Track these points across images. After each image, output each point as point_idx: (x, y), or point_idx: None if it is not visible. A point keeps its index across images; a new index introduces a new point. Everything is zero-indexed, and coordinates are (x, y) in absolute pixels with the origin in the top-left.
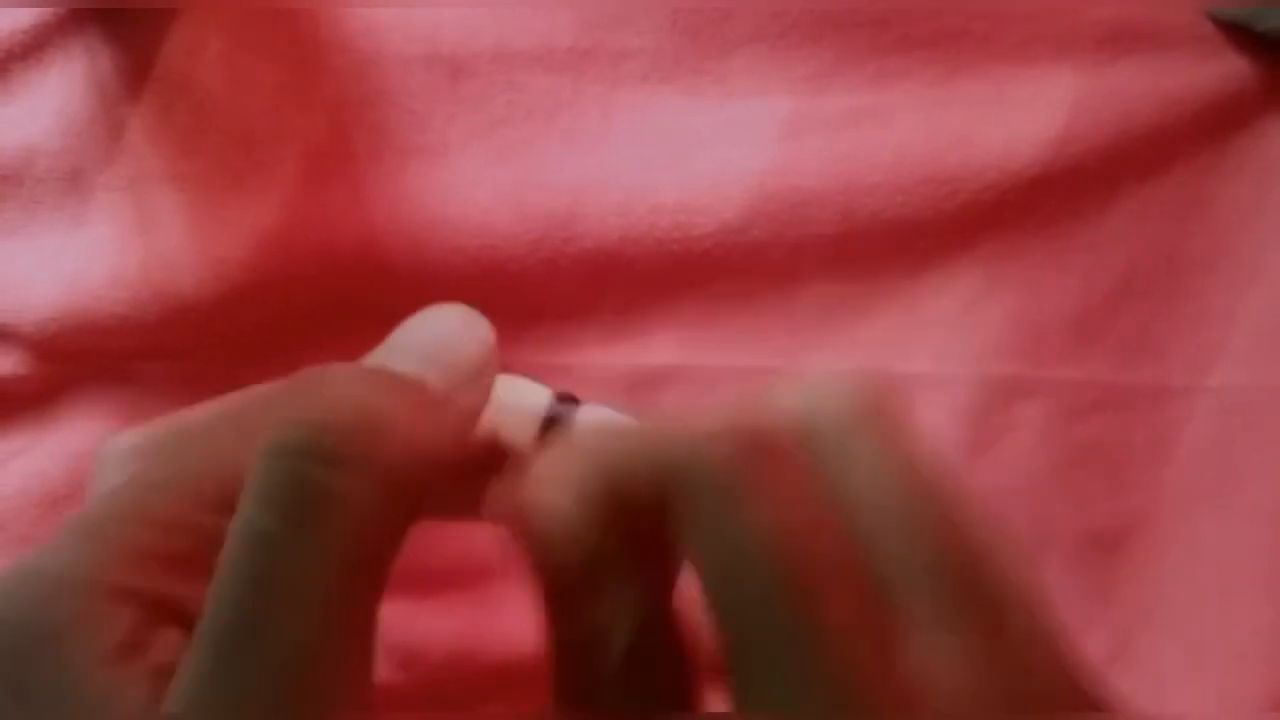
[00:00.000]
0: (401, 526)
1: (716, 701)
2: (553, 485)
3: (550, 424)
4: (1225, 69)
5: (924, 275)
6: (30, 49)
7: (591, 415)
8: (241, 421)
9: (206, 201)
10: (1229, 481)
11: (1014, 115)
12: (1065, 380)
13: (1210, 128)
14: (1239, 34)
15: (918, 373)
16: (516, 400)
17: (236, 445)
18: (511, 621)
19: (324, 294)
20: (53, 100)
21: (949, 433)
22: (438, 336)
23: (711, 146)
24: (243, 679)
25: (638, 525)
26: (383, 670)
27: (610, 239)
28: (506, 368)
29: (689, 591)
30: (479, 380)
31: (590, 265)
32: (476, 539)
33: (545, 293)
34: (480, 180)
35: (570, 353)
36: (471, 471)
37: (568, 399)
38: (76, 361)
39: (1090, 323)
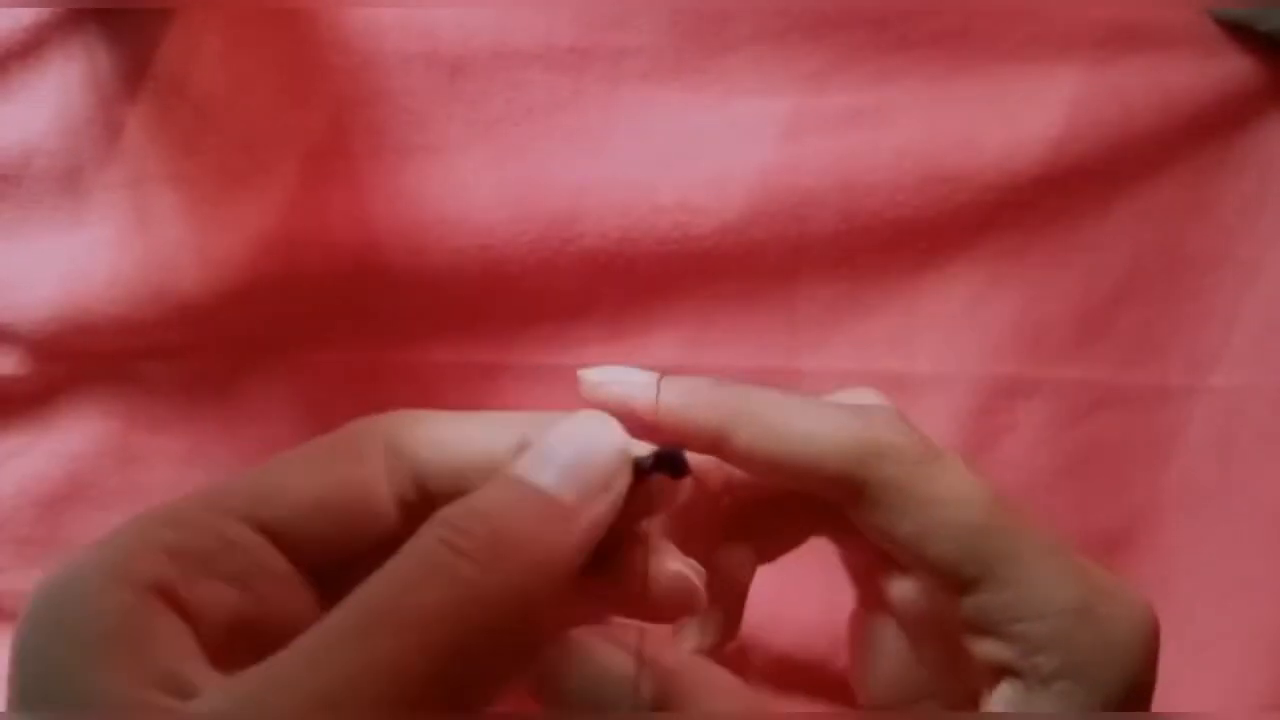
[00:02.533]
0: (528, 632)
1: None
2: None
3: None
4: (1227, 68)
5: (925, 274)
6: (29, 48)
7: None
8: (288, 456)
9: (205, 201)
10: (1230, 481)
11: (1015, 114)
12: (1066, 380)
13: (1212, 127)
14: (1241, 34)
15: (918, 372)
16: None
17: (276, 469)
18: None
19: (323, 293)
20: (51, 100)
21: (950, 432)
22: (577, 449)
23: (712, 146)
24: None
25: None
26: None
27: (610, 239)
28: (507, 367)
29: None
30: (611, 487)
31: (590, 265)
32: None
33: (545, 292)
34: (480, 179)
35: (570, 352)
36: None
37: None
38: (75, 361)
39: (1091, 322)
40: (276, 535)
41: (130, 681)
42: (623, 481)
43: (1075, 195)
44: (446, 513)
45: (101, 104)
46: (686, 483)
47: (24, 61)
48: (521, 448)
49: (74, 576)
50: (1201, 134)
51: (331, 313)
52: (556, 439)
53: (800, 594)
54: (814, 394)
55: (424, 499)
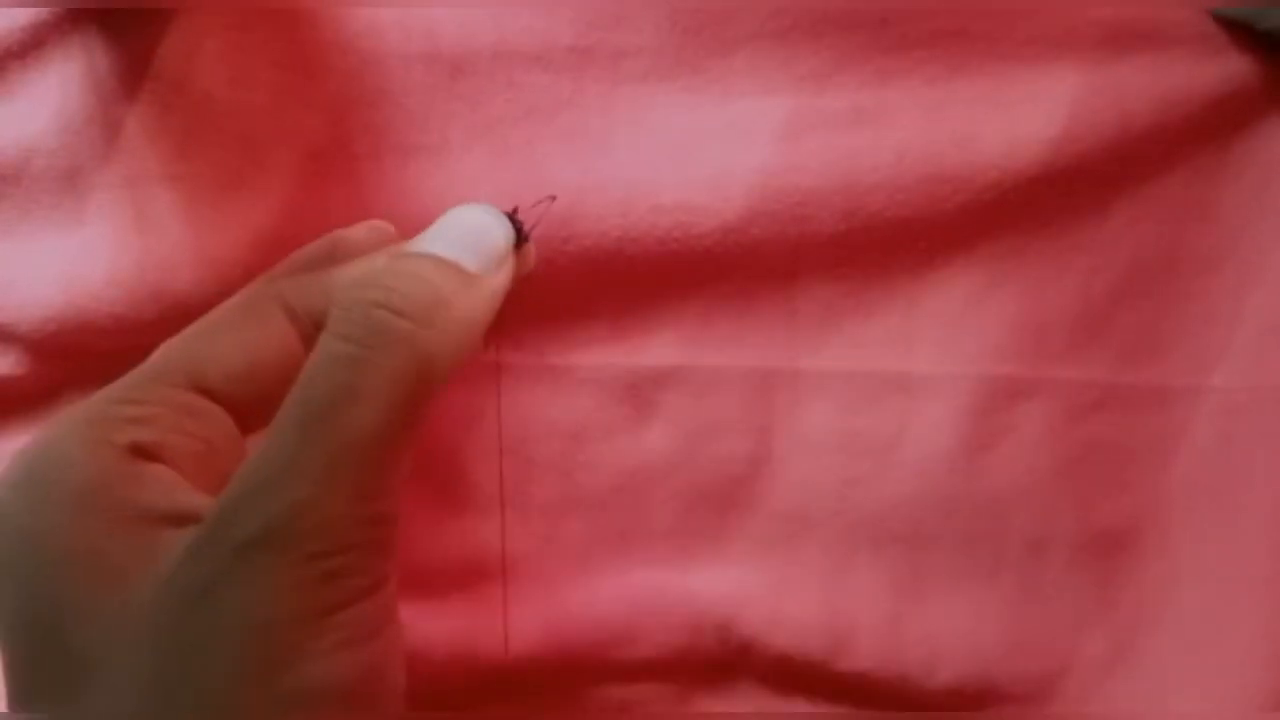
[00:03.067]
0: (438, 387)
1: None
2: None
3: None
4: (1228, 68)
5: (925, 275)
6: (28, 48)
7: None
8: (211, 324)
9: (205, 202)
10: (1232, 481)
11: (1015, 114)
12: (1066, 380)
13: (1212, 127)
14: (1242, 33)
15: (919, 372)
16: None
17: (205, 338)
18: (512, 622)
19: None
20: (50, 99)
21: (950, 432)
22: (472, 228)
23: (711, 146)
24: (323, 452)
25: None
26: None
27: (610, 238)
28: (508, 367)
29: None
30: (504, 264)
31: (590, 265)
32: (477, 539)
33: (545, 292)
34: (480, 180)
35: (570, 353)
36: None
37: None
38: (74, 361)
39: (1091, 322)
40: (218, 397)
41: (126, 526)
42: (511, 260)
43: (1075, 195)
44: (373, 275)
45: (101, 103)
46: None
47: (23, 61)
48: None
49: (51, 445)
50: (1202, 134)
51: None
52: (450, 223)
53: (800, 594)
54: None
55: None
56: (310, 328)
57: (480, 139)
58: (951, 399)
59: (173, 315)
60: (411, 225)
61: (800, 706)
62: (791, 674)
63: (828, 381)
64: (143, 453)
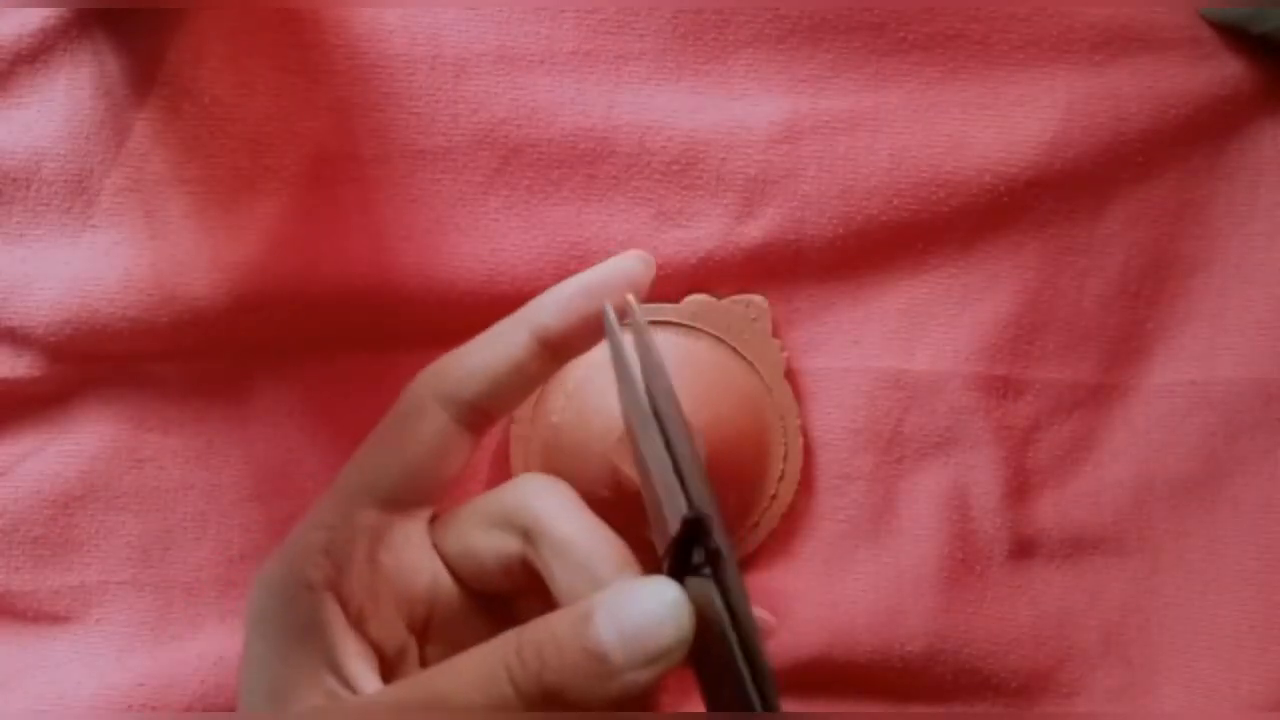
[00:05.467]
0: None
1: None
2: None
3: None
4: (1220, 72)
5: (921, 275)
6: (38, 54)
7: None
8: (375, 440)
9: (214, 205)
10: (1220, 478)
11: (1010, 118)
12: (1056, 380)
13: (1204, 130)
14: (1234, 36)
15: (915, 370)
16: None
17: (371, 453)
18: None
19: (332, 296)
20: (60, 105)
21: (944, 430)
22: (644, 618)
23: (712, 149)
24: None
25: None
26: None
27: (615, 240)
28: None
29: None
30: (661, 662)
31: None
32: None
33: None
34: (487, 185)
35: None
36: None
37: None
38: (87, 363)
39: (1083, 323)
40: (395, 504)
41: (314, 670)
42: (676, 658)
43: (1069, 198)
44: (524, 638)
45: (110, 109)
46: None
47: (33, 66)
48: (534, 342)
49: (264, 582)
50: (1194, 137)
51: (341, 315)
52: (632, 600)
53: (799, 589)
54: None
55: (480, 414)
56: (465, 413)
57: (484, 143)
58: (947, 397)
59: (185, 318)
60: (419, 229)
61: (797, 702)
62: (791, 673)
63: (827, 379)
64: (331, 587)
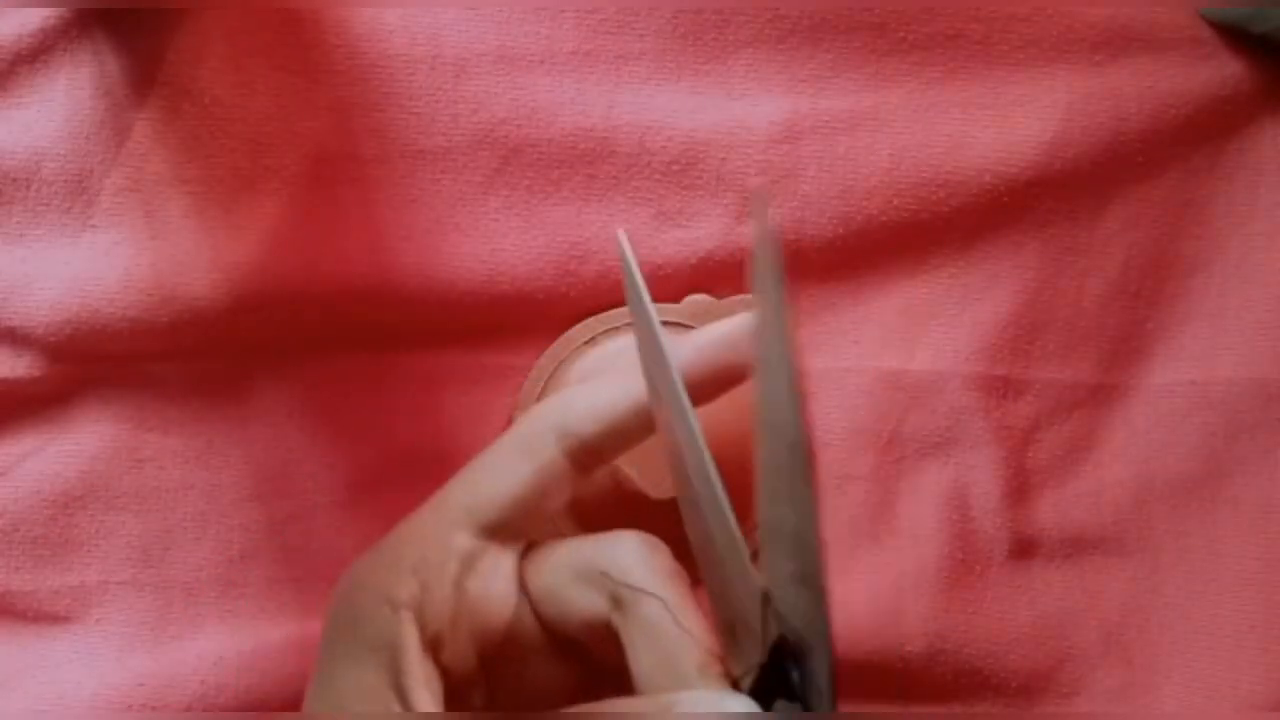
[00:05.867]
0: None
1: None
2: None
3: None
4: (1220, 72)
5: (921, 275)
6: (38, 54)
7: None
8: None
9: (214, 205)
10: (1217, 477)
11: (1010, 118)
12: (1056, 380)
13: (1204, 130)
14: (1234, 36)
15: (915, 370)
16: None
17: (482, 474)
18: None
19: (332, 296)
20: (59, 104)
21: (944, 430)
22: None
23: (712, 149)
24: None
25: None
26: None
27: (615, 242)
28: (516, 369)
29: None
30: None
31: (595, 268)
32: None
33: (553, 295)
34: (487, 185)
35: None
36: None
37: None
38: (87, 364)
39: (1083, 323)
40: (491, 532)
41: (379, 690)
42: None
43: (1069, 198)
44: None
45: (110, 108)
46: None
47: (33, 66)
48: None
49: (353, 593)
50: (1194, 137)
51: (341, 315)
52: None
53: None
54: None
55: (593, 455)
56: (579, 451)
57: (484, 143)
58: (947, 397)
59: (185, 318)
60: (420, 229)
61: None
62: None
63: (827, 379)
64: (413, 608)
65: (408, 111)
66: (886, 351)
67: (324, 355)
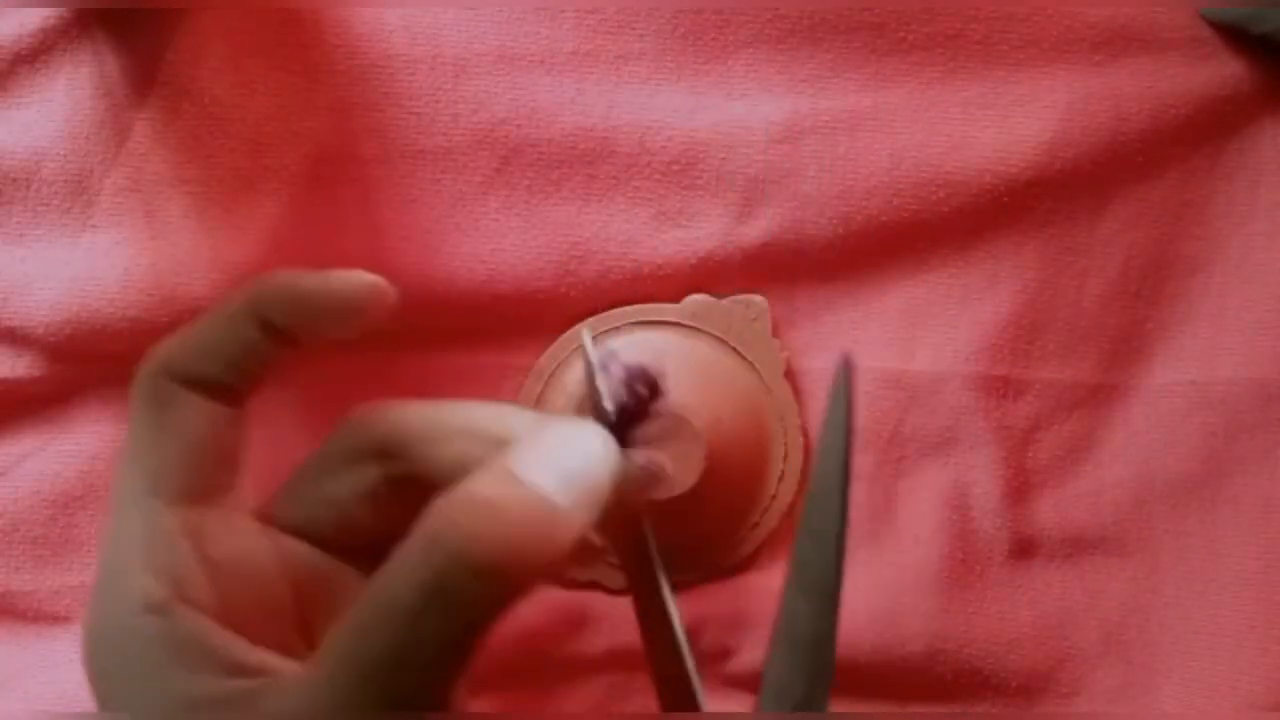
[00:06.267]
0: (501, 617)
1: None
2: None
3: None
4: (1220, 72)
5: (921, 275)
6: (37, 53)
7: None
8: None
9: (214, 205)
10: (1220, 478)
11: (1010, 118)
12: (1056, 380)
13: (1204, 130)
14: (1234, 36)
15: (914, 370)
16: None
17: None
18: (513, 621)
19: None
20: (60, 105)
21: (944, 429)
22: (579, 459)
23: (712, 149)
24: (359, 704)
25: None
26: None
27: (616, 241)
28: (516, 369)
29: None
30: (601, 501)
31: (596, 269)
32: None
33: (553, 296)
34: (487, 185)
35: None
36: None
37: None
38: (88, 364)
39: (1083, 323)
40: (188, 496)
41: (195, 683)
42: (609, 497)
43: (1069, 198)
44: (442, 515)
45: (110, 108)
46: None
47: (32, 67)
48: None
49: (109, 618)
50: (1194, 137)
51: None
52: (558, 444)
53: None
54: None
55: (415, 483)
56: (399, 472)
57: (485, 143)
58: (947, 397)
59: (185, 318)
60: (420, 229)
61: None
62: None
63: (828, 380)
64: (180, 599)
65: (408, 111)
66: (886, 351)
67: (322, 354)
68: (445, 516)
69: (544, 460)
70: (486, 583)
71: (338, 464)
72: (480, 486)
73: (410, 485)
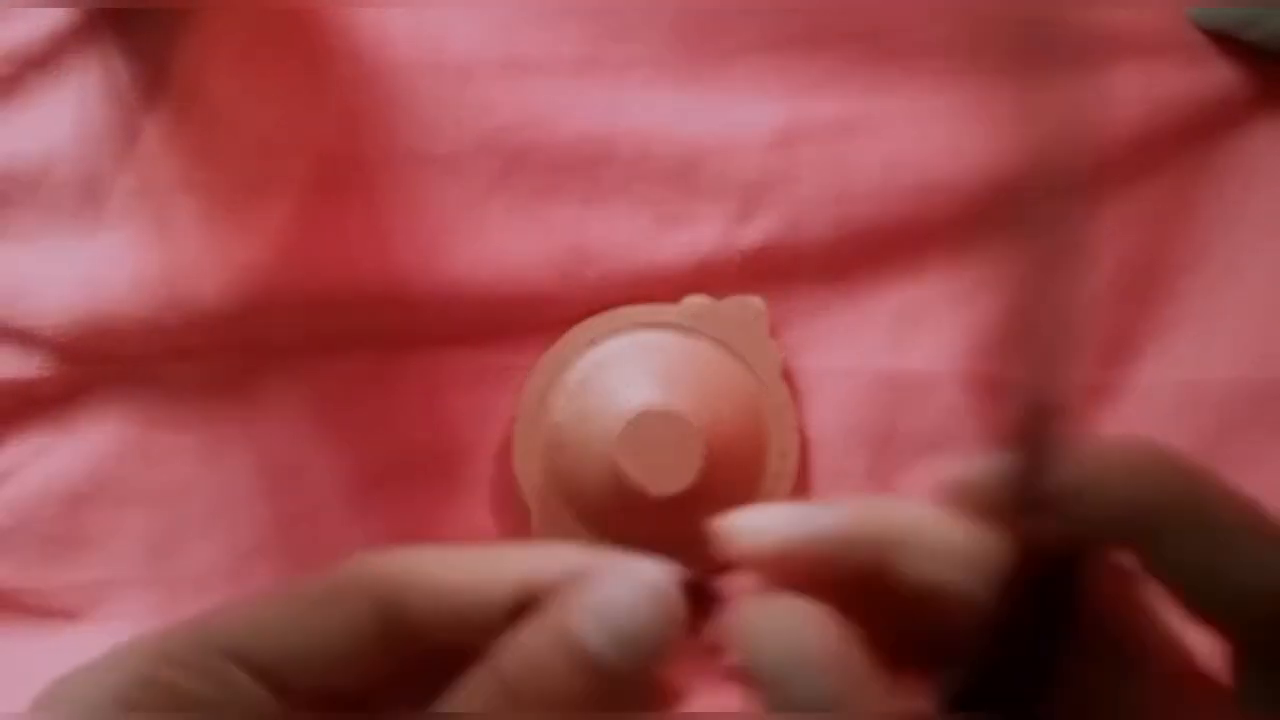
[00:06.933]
0: None
1: None
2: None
3: None
4: (1211, 76)
5: (917, 277)
6: (47, 58)
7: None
8: (278, 599)
9: (223, 208)
10: None
11: (1003, 123)
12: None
13: (1196, 133)
14: (1225, 41)
15: (910, 370)
16: None
17: (266, 611)
18: None
19: (339, 298)
20: (69, 108)
21: (941, 429)
22: (632, 613)
23: (711, 154)
24: None
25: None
26: None
27: (619, 244)
28: (520, 369)
29: None
30: (657, 651)
31: (598, 271)
32: (491, 538)
33: (558, 296)
34: (491, 189)
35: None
36: None
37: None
38: (97, 364)
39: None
40: (264, 674)
41: None
42: (668, 644)
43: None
44: (505, 669)
45: (119, 112)
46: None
47: (43, 71)
48: (521, 589)
49: (82, 708)
50: (1187, 140)
51: (347, 317)
52: (608, 595)
53: None
54: None
55: (415, 637)
56: (401, 626)
57: (489, 147)
58: (943, 396)
59: (194, 319)
60: (426, 232)
61: None
62: None
63: (824, 380)
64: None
65: (413, 117)
66: (881, 352)
67: (331, 356)
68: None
69: (595, 615)
70: None
71: (326, 604)
72: (534, 656)
73: (403, 638)
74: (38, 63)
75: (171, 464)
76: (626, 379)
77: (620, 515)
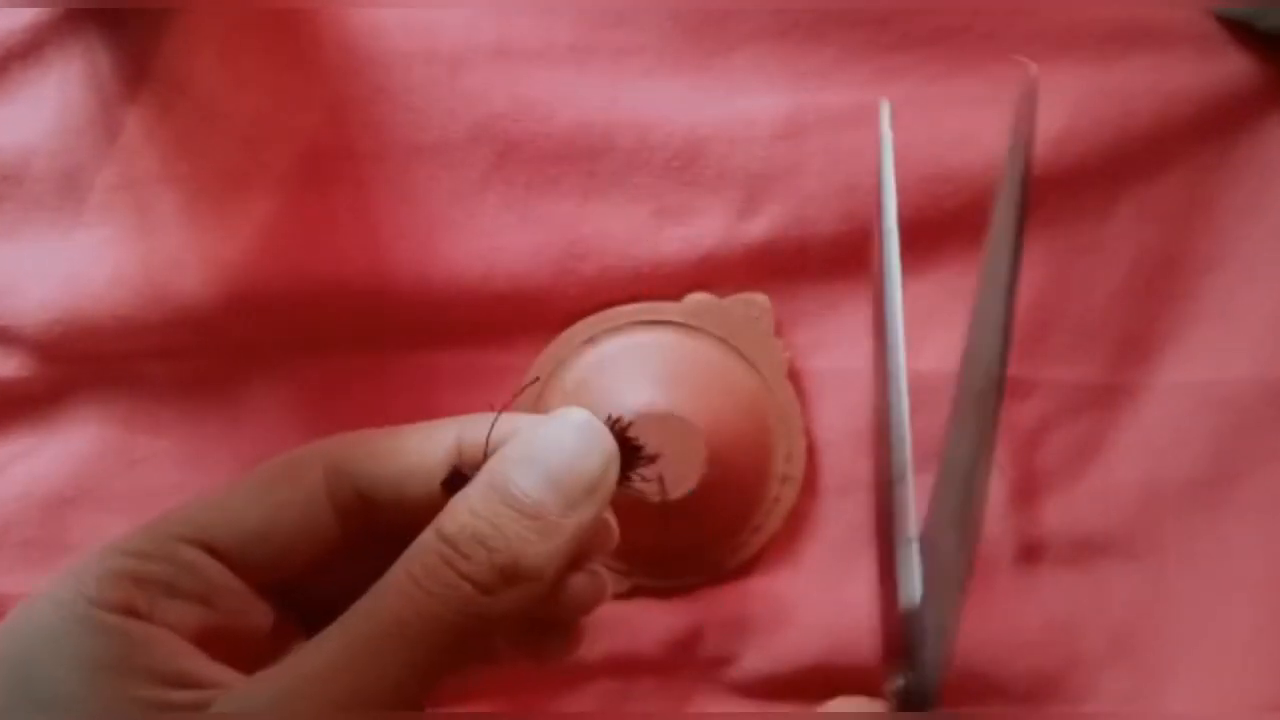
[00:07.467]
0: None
1: None
2: None
3: None
4: (1228, 68)
5: (925, 273)
6: (29, 50)
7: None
8: (233, 484)
9: (207, 202)
10: (1226, 478)
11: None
12: (1063, 380)
13: (1212, 127)
14: (1242, 32)
15: (920, 370)
16: None
17: (222, 496)
18: None
19: (326, 295)
20: (51, 100)
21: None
22: (562, 456)
23: (714, 145)
24: (358, 679)
25: None
26: None
27: (615, 239)
28: (510, 368)
29: None
30: (593, 496)
31: (594, 267)
32: None
33: (551, 293)
34: (483, 181)
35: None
36: None
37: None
38: (77, 363)
39: (1090, 322)
40: (226, 557)
41: (135, 688)
42: (607, 488)
43: (1077, 194)
44: (446, 529)
45: (101, 105)
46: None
47: (24, 63)
48: (456, 450)
49: (51, 609)
50: (1202, 133)
51: (335, 314)
52: (545, 443)
53: (803, 597)
54: None
55: (365, 509)
56: (352, 497)
57: (482, 138)
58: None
59: (176, 317)
60: (415, 226)
61: (801, 706)
62: (792, 674)
63: (828, 379)
64: (139, 616)
65: (403, 107)
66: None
67: (318, 354)
68: (438, 552)
69: (532, 464)
70: (490, 603)
71: (281, 480)
72: (474, 503)
73: (354, 509)
74: (19, 55)
75: (154, 467)
76: (626, 380)
77: (622, 520)
